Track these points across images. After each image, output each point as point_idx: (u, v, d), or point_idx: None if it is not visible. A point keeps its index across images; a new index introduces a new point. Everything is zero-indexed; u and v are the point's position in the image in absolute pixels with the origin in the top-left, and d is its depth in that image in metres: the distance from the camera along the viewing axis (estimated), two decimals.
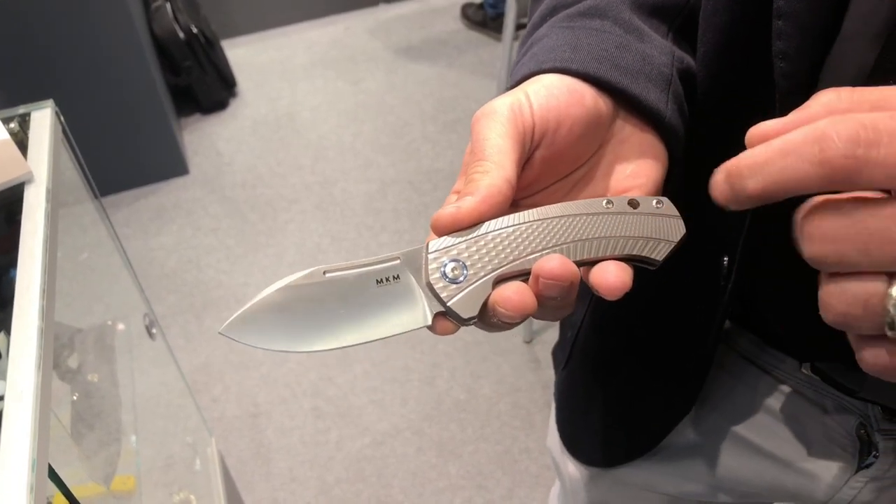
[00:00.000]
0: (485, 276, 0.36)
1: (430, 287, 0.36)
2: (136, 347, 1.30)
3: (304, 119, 2.75)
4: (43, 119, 0.87)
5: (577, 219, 0.37)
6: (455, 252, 0.36)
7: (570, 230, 0.37)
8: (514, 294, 0.35)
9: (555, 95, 0.39)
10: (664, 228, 0.38)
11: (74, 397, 1.01)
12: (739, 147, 0.45)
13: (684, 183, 0.45)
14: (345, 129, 2.67)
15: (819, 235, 0.27)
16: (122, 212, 2.40)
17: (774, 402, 0.56)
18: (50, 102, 0.88)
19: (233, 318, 0.36)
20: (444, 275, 0.36)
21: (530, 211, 0.37)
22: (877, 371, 0.28)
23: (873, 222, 0.26)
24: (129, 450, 1.10)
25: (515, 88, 0.40)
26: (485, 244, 0.36)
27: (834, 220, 0.27)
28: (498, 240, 0.37)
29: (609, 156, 0.42)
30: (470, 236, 0.37)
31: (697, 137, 0.46)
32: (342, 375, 1.87)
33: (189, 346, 1.97)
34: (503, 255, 0.36)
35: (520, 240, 0.37)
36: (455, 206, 0.36)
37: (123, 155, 2.42)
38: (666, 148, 0.42)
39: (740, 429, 0.59)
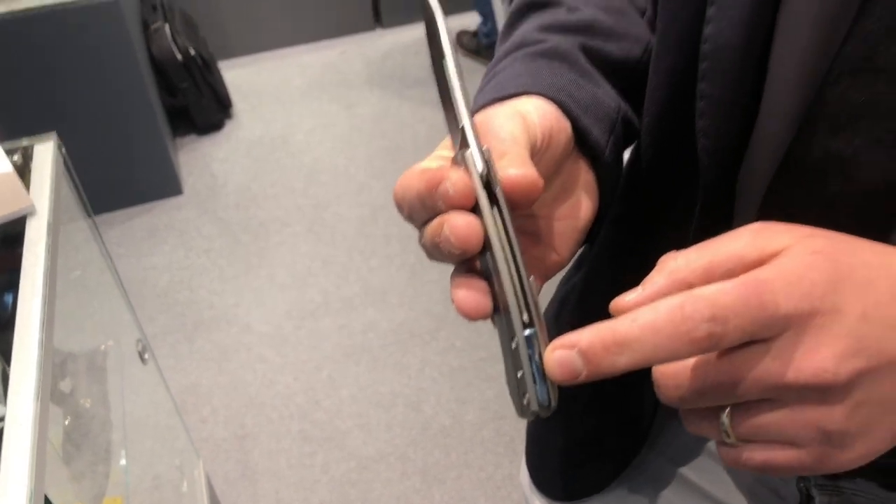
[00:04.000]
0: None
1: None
2: (127, 367, 1.31)
3: (298, 142, 2.78)
4: (46, 152, 0.90)
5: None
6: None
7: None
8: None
9: (546, 114, 0.41)
10: None
11: (66, 421, 1.03)
12: (680, 209, 0.48)
13: (628, 238, 0.48)
14: (338, 153, 2.71)
15: (664, 383, 0.33)
16: (115, 230, 2.43)
17: None
18: (53, 135, 0.91)
19: None
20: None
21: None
22: (732, 466, 0.35)
23: (707, 370, 0.32)
24: (117, 471, 1.12)
25: (509, 103, 0.41)
26: None
27: (679, 368, 0.33)
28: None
29: (557, 186, 0.43)
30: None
31: (646, 196, 0.49)
32: (328, 399, 1.89)
33: (179, 367, 1.99)
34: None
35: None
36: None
37: (118, 174, 2.45)
38: (599, 189, 0.45)
39: (687, 471, 0.61)
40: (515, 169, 0.35)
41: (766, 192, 0.42)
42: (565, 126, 0.42)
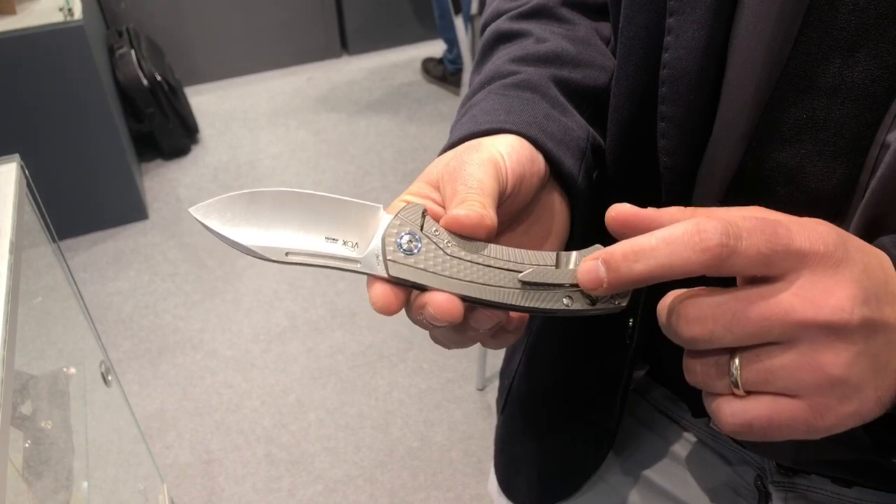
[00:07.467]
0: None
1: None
2: (91, 393, 1.30)
3: (264, 167, 2.79)
4: (8, 173, 0.90)
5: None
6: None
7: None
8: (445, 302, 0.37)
9: (519, 159, 0.43)
10: None
11: (27, 444, 1.02)
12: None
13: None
14: (305, 178, 2.72)
15: (695, 316, 0.33)
16: (80, 255, 2.41)
17: (682, 450, 0.62)
18: (15, 157, 0.92)
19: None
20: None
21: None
22: (735, 428, 0.34)
23: (735, 304, 0.33)
24: (80, 497, 1.11)
25: (487, 142, 0.43)
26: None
27: (707, 303, 0.33)
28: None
29: (530, 216, 0.46)
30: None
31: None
32: (296, 422, 1.89)
33: (143, 392, 1.97)
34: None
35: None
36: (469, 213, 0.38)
37: (83, 199, 2.43)
38: (572, 213, 0.47)
39: (652, 474, 0.64)
40: (461, 209, 0.38)
41: (721, 203, 0.45)
42: (538, 165, 0.44)
